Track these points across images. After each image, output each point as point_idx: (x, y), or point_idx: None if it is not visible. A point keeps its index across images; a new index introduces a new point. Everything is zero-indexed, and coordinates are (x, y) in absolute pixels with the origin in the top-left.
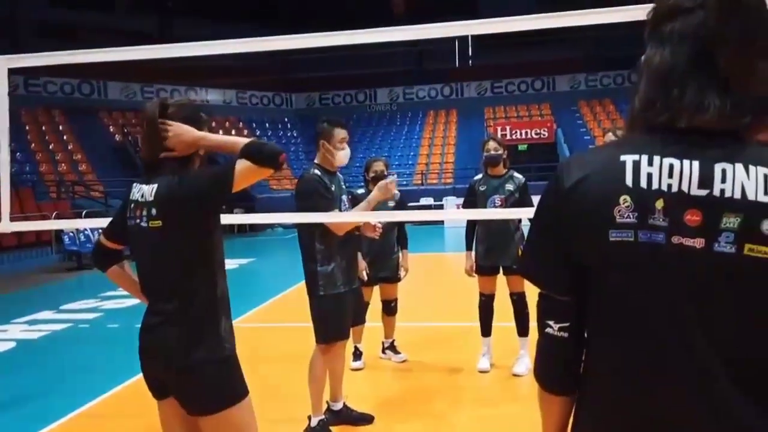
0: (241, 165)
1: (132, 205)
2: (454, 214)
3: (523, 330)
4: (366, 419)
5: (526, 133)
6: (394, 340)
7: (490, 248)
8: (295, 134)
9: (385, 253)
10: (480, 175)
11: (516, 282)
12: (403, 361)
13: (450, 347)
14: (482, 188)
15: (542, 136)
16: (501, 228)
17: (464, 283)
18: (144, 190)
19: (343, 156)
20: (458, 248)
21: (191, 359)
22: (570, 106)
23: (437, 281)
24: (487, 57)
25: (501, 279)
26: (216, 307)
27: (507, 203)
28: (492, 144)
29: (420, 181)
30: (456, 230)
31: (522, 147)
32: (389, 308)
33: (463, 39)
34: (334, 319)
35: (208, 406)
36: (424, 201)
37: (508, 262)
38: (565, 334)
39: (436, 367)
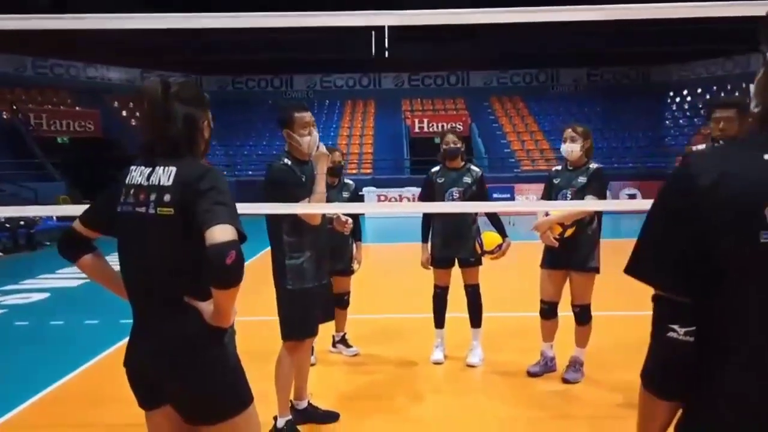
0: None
1: (132, 190)
2: (431, 208)
3: (476, 321)
4: (331, 417)
5: (443, 126)
6: (345, 334)
7: (446, 241)
8: None
9: (339, 245)
10: (437, 168)
11: (471, 274)
12: (355, 355)
13: (402, 340)
14: (440, 181)
15: (458, 130)
16: (458, 221)
17: (415, 274)
18: (158, 173)
19: (309, 142)
20: (381, 239)
21: (197, 364)
22: (483, 102)
23: (382, 272)
24: (404, 49)
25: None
26: None
27: (464, 196)
28: (450, 137)
29: None
30: (376, 221)
31: (438, 140)
32: (341, 301)
33: (380, 30)
34: (302, 316)
35: (215, 414)
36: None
37: (464, 255)
38: (691, 339)
39: (389, 360)
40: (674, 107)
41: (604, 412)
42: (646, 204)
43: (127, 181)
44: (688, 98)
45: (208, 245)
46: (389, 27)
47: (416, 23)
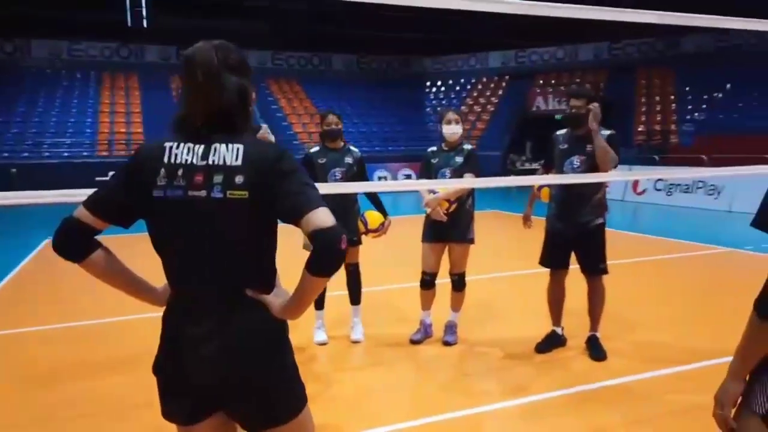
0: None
1: (180, 171)
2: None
3: (356, 299)
4: None
5: None
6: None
7: None
8: None
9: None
10: (317, 148)
11: (352, 254)
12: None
13: None
14: (321, 161)
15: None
16: (342, 201)
17: (294, 256)
18: (220, 152)
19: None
20: None
21: (266, 362)
22: (260, 83)
23: None
24: (167, 20)
25: None
26: None
27: (347, 176)
28: (332, 117)
29: (107, 153)
30: None
31: None
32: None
33: None
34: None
35: (283, 414)
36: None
37: (348, 235)
38: None
39: None
40: (432, 96)
41: (485, 367)
42: (505, 181)
43: (166, 161)
44: (443, 88)
45: (317, 229)
46: None
47: None
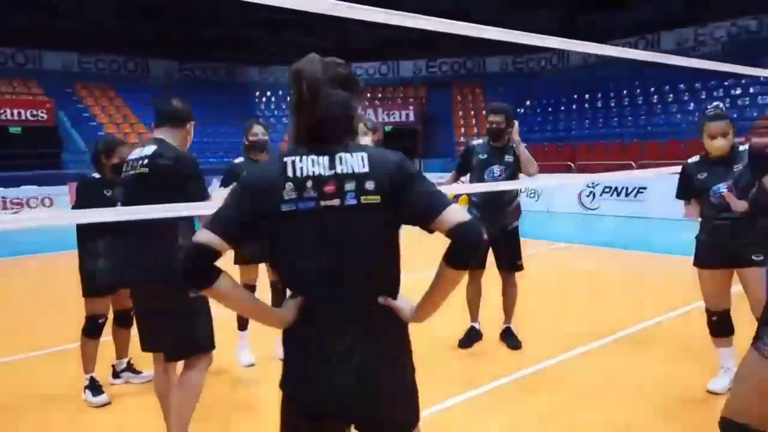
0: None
1: (309, 182)
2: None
3: None
4: None
5: (20, 113)
6: (130, 359)
7: None
8: None
9: None
10: (241, 159)
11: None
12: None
13: None
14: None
15: (40, 118)
16: None
17: None
18: (346, 160)
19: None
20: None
21: (398, 375)
22: (65, 88)
23: None
24: None
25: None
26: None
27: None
28: (258, 128)
29: None
30: None
31: (14, 129)
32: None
33: None
34: (209, 322)
35: (408, 425)
36: None
37: None
38: None
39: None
40: (263, 106)
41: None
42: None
43: (290, 174)
44: (273, 98)
45: (457, 224)
46: None
47: None
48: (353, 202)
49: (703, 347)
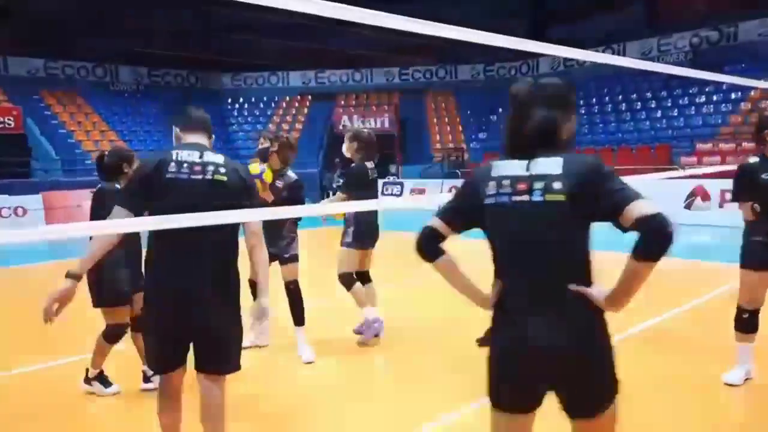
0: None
1: (507, 181)
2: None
3: (299, 319)
4: None
5: None
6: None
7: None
8: None
9: None
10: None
11: (292, 270)
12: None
13: None
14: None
15: (7, 125)
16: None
17: None
18: (540, 164)
19: None
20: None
21: (597, 352)
22: (31, 95)
23: None
24: None
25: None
26: None
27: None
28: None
29: None
30: None
31: None
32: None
33: None
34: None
35: (603, 404)
36: None
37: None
38: None
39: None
40: (236, 113)
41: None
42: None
43: (494, 175)
44: (246, 105)
45: (641, 217)
46: None
47: None
48: (539, 198)
49: (708, 344)
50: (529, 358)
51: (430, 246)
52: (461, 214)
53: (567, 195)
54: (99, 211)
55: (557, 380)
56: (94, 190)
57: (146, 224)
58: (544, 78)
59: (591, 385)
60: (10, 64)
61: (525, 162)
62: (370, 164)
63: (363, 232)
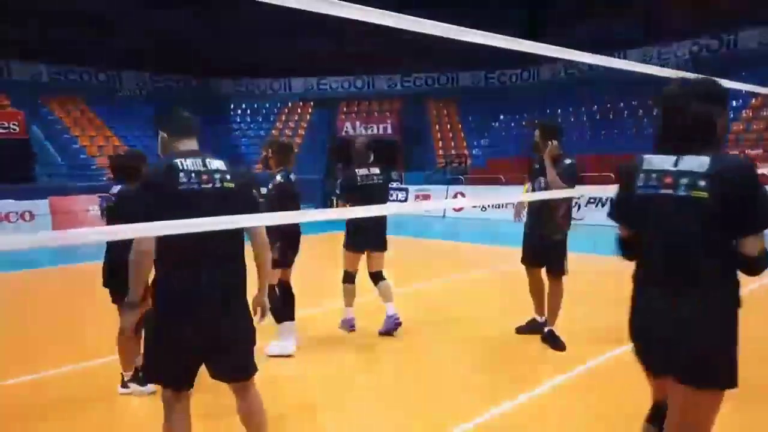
0: None
1: (654, 174)
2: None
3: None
4: None
5: None
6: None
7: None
8: None
9: None
10: None
11: (285, 273)
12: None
13: None
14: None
15: (12, 130)
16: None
17: None
18: (687, 162)
19: None
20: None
21: (711, 327)
22: (36, 100)
23: None
24: None
25: None
26: None
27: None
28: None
29: None
30: None
31: None
32: None
33: None
34: None
35: (710, 375)
36: None
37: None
38: None
39: None
40: (239, 119)
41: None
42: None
43: (644, 168)
44: (249, 111)
45: (750, 257)
46: None
47: None
48: (683, 193)
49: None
50: (661, 333)
51: (619, 252)
52: (623, 204)
53: (710, 194)
54: (120, 211)
55: (672, 344)
56: (108, 194)
57: (167, 228)
58: (698, 77)
59: (701, 355)
60: (14, 69)
61: (674, 158)
62: (363, 170)
63: (354, 234)
